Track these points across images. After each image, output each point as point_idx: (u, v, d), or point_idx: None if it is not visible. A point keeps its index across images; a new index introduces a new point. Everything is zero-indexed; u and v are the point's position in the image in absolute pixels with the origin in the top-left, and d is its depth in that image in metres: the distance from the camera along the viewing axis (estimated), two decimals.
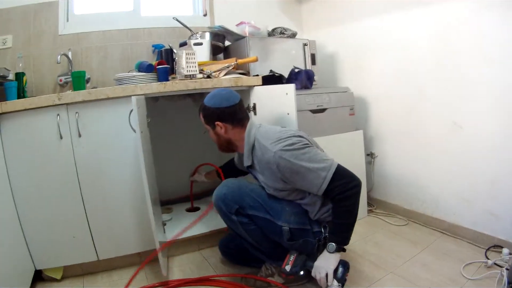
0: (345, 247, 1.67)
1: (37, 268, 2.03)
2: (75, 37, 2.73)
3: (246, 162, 1.83)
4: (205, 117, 1.86)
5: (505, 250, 2.00)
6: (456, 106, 2.27)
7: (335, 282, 1.60)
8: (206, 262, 2.23)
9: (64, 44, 2.68)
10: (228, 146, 1.90)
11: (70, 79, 2.49)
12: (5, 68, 2.21)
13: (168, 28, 2.99)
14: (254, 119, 1.96)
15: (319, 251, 1.72)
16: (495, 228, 2.15)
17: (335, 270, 1.61)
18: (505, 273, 1.83)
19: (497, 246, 2.10)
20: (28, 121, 1.90)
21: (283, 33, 2.85)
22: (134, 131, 1.97)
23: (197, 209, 2.72)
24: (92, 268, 2.15)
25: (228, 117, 1.82)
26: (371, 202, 2.97)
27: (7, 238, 1.77)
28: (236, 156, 2.23)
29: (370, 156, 2.90)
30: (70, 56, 2.66)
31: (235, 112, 1.83)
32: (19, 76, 2.29)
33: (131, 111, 1.98)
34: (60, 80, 2.63)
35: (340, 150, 2.28)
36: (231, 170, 2.31)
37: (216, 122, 1.82)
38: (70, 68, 2.65)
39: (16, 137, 1.89)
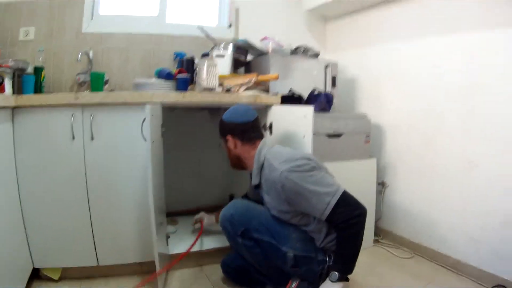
0: (348, 276, 1.63)
1: (36, 266, 2.02)
2: (98, 36, 2.74)
3: (254, 181, 1.82)
4: (220, 130, 1.93)
5: None
6: (474, 144, 2.24)
7: None
8: (207, 279, 2.20)
9: (86, 42, 2.69)
10: (238, 162, 1.93)
11: (89, 79, 2.49)
12: (25, 61, 2.21)
13: (192, 36, 2.98)
14: (269, 139, 1.96)
15: (321, 279, 1.68)
16: (500, 268, 2.10)
17: None
18: None
19: (500, 286, 2.06)
20: (42, 117, 1.90)
21: (306, 53, 2.84)
22: (145, 139, 1.96)
23: None
24: (91, 273, 2.13)
25: (239, 133, 1.86)
26: (378, 232, 2.92)
27: (8, 233, 1.76)
28: (248, 184, 2.17)
29: (381, 185, 2.86)
30: (91, 55, 2.66)
31: (247, 129, 1.86)
32: (38, 70, 2.30)
33: (144, 119, 1.96)
34: (79, 79, 2.63)
35: (352, 177, 2.26)
36: None
37: (227, 136, 1.88)
38: (90, 67, 2.66)
39: (28, 132, 1.90)
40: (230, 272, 2.11)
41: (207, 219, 2.43)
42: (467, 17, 2.27)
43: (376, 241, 2.83)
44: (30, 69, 2.28)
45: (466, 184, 2.29)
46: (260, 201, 1.90)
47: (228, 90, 2.28)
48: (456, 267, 2.34)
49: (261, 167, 1.79)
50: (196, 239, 2.14)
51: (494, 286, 2.08)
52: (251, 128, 1.86)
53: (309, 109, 1.97)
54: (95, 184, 2.01)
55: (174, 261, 2.06)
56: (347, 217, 1.58)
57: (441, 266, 2.41)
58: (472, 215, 2.26)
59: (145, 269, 2.18)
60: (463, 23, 2.29)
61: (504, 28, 2.07)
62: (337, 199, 1.58)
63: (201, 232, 2.31)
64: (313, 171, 1.64)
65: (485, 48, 2.18)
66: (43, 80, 2.35)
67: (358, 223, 1.60)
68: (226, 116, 1.89)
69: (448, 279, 2.26)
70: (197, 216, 2.46)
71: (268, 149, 1.82)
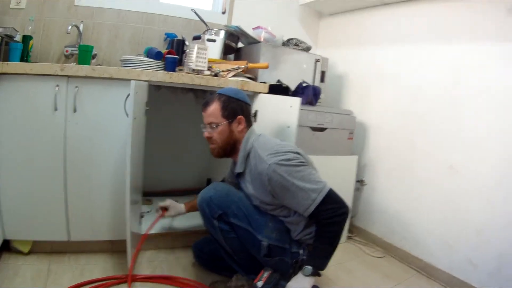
0: (320, 272, 1.63)
1: (7, 238, 1.98)
2: (90, 10, 2.68)
3: (238, 169, 1.80)
4: (227, 109, 1.77)
5: None
6: (456, 150, 2.28)
7: None
8: (177, 262, 2.19)
9: (77, 15, 2.63)
10: (232, 148, 1.82)
11: (77, 52, 2.45)
12: (13, 28, 2.17)
13: (184, 19, 2.96)
14: (254, 127, 1.92)
15: (294, 272, 1.68)
16: (471, 275, 2.15)
17: None
18: None
19: None
20: (27, 86, 1.86)
21: (298, 45, 2.85)
22: (127, 115, 1.93)
23: None
24: (61, 248, 2.10)
25: (248, 115, 1.83)
26: (352, 229, 2.95)
27: None
28: (228, 171, 2.16)
29: (360, 183, 2.89)
30: (81, 28, 2.61)
31: (250, 113, 1.84)
32: (26, 39, 2.27)
33: (128, 95, 1.92)
34: (67, 51, 2.58)
35: (332, 172, 2.26)
36: None
37: (240, 116, 1.78)
38: (79, 41, 2.61)
39: (11, 100, 1.85)
40: (202, 256, 2.10)
41: (173, 210, 2.20)
42: (455, 29, 2.33)
43: (349, 237, 2.86)
44: (18, 38, 2.24)
45: (445, 189, 2.33)
46: (238, 187, 1.88)
47: (216, 75, 2.26)
48: (427, 270, 2.38)
49: (247, 155, 1.77)
50: (151, 226, 2.09)
51: None
52: (250, 112, 1.84)
53: (296, 100, 1.98)
54: (73, 158, 1.98)
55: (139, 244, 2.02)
56: (332, 215, 1.58)
57: (412, 268, 2.45)
58: (448, 221, 2.30)
59: (116, 247, 2.17)
60: (451, 35, 2.36)
61: (491, 43, 2.15)
62: (323, 196, 1.58)
63: (157, 220, 2.17)
64: (301, 167, 1.63)
65: (469, 61, 2.24)
66: (30, 49, 2.32)
67: (341, 222, 1.61)
68: (236, 94, 1.81)
69: (418, 281, 2.29)
70: (163, 204, 2.22)
71: (256, 137, 1.79)
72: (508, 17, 2.05)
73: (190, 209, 2.21)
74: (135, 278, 1.91)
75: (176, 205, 2.21)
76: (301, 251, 1.73)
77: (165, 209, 2.20)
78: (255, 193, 1.73)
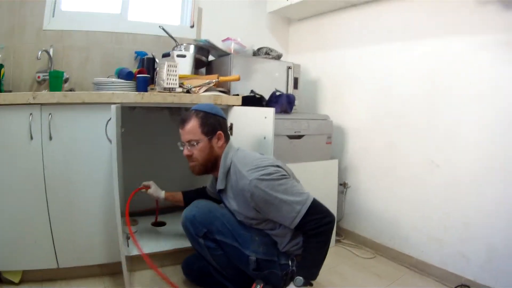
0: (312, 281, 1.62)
1: None
2: (59, 34, 2.66)
3: (219, 186, 1.78)
4: (206, 125, 1.74)
5: None
6: (436, 145, 2.29)
7: None
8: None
9: (47, 40, 2.60)
10: (213, 165, 1.80)
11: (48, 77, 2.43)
12: None
13: (153, 36, 2.94)
14: (232, 141, 1.91)
15: (285, 284, 1.67)
16: (463, 268, 2.16)
17: None
18: None
19: (464, 286, 2.11)
20: (0, 117, 1.83)
21: (268, 54, 2.85)
22: (110, 141, 1.91)
23: (162, 224, 2.64)
24: (51, 275, 2.07)
25: (226, 129, 1.81)
26: (340, 232, 2.94)
27: None
28: (209, 182, 2.14)
29: (343, 186, 2.89)
30: (51, 53, 2.57)
31: (227, 127, 1.83)
32: None
33: (109, 120, 1.89)
34: (38, 77, 2.55)
35: (313, 178, 2.26)
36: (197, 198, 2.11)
37: (219, 132, 1.76)
38: (50, 66, 2.57)
39: None
40: (191, 274, 2.09)
41: (154, 190, 2.16)
42: (427, 26, 2.34)
43: (338, 241, 2.85)
44: None
45: (428, 184, 2.34)
46: (220, 203, 1.87)
47: (188, 91, 2.24)
48: (419, 267, 2.38)
49: (227, 171, 1.75)
50: (131, 196, 2.07)
51: (457, 286, 2.12)
52: (227, 126, 1.83)
53: (270, 110, 1.98)
54: (53, 186, 1.95)
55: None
56: (317, 225, 1.57)
57: (404, 266, 2.46)
58: (435, 215, 2.31)
59: (105, 271, 2.16)
60: (424, 32, 2.36)
61: (462, 37, 2.16)
62: (307, 207, 1.57)
63: (136, 190, 2.14)
64: (282, 180, 1.62)
65: (444, 55, 2.25)
66: (2, 78, 2.26)
67: (327, 231, 1.61)
68: (212, 110, 1.78)
69: (411, 279, 2.29)
70: (146, 183, 2.18)
71: (235, 152, 1.78)
72: (477, 9, 2.07)
73: (169, 197, 2.18)
74: None
75: (158, 188, 2.18)
76: (290, 263, 1.71)
77: (148, 187, 2.16)
78: (239, 209, 1.72)
